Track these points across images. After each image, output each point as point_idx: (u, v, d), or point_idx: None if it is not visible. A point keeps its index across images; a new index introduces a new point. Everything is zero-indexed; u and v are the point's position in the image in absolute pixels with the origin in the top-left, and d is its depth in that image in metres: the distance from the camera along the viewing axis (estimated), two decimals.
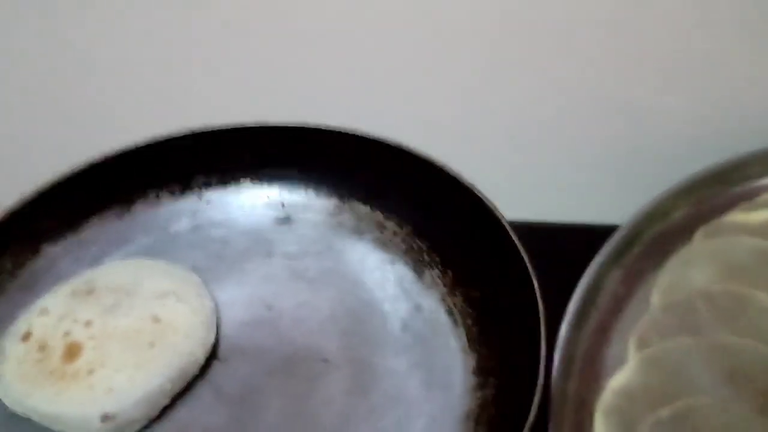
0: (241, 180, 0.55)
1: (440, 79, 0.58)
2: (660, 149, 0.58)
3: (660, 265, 0.49)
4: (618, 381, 0.44)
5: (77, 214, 0.52)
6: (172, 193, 0.55)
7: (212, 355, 0.47)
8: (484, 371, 0.45)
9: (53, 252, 0.51)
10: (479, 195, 0.48)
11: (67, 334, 0.45)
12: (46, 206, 0.51)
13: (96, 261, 0.52)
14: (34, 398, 0.43)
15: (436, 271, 0.50)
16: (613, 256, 0.49)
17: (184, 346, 0.46)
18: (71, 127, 0.64)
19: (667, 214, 0.51)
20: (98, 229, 0.53)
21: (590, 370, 0.45)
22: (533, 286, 0.43)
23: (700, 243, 0.50)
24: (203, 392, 0.45)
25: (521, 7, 0.52)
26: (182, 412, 0.45)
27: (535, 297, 0.42)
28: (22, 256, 0.50)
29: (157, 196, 0.54)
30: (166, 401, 0.44)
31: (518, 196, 0.52)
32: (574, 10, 0.52)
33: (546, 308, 0.42)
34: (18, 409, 0.44)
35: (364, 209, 0.54)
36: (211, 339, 0.47)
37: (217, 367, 0.46)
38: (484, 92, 0.58)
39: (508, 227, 0.46)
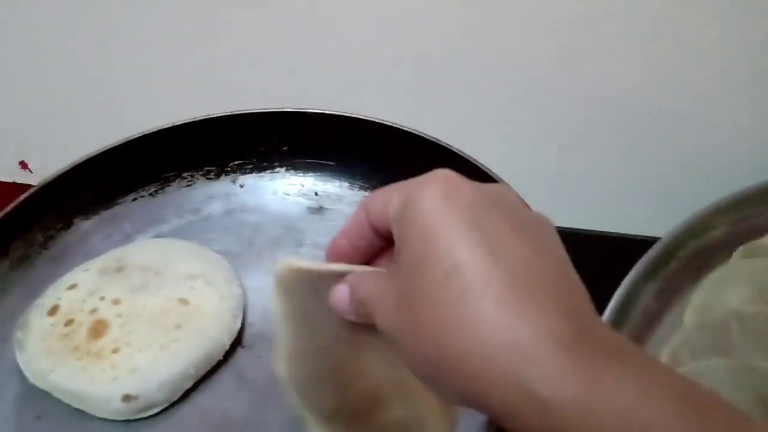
0: (277, 167, 0.55)
1: (489, 81, 0.57)
2: (706, 164, 0.56)
3: (696, 283, 0.48)
4: None
5: (112, 190, 0.52)
6: (208, 175, 0.54)
7: (237, 342, 0.46)
8: None
9: (85, 227, 0.51)
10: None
11: (94, 310, 0.45)
12: (81, 181, 0.50)
13: (127, 239, 0.51)
14: (56, 374, 0.43)
15: None
16: (649, 270, 0.47)
17: (211, 331, 0.45)
18: (112, 104, 0.64)
19: (707, 230, 0.49)
20: (131, 207, 0.52)
21: None
22: None
23: (737, 262, 0.49)
24: (226, 378, 0.45)
25: (575, 17, 0.51)
26: (204, 397, 0.44)
27: None
28: (53, 230, 0.50)
29: (192, 178, 0.54)
30: (188, 385, 0.44)
31: (557, 203, 0.51)
32: (626, 21, 0.51)
33: None
34: (39, 383, 0.43)
35: None
36: (238, 325, 0.46)
37: (241, 354, 0.46)
38: (536, 99, 0.57)
39: None
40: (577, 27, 0.52)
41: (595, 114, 0.56)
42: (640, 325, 0.46)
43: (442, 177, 0.27)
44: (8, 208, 0.47)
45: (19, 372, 0.44)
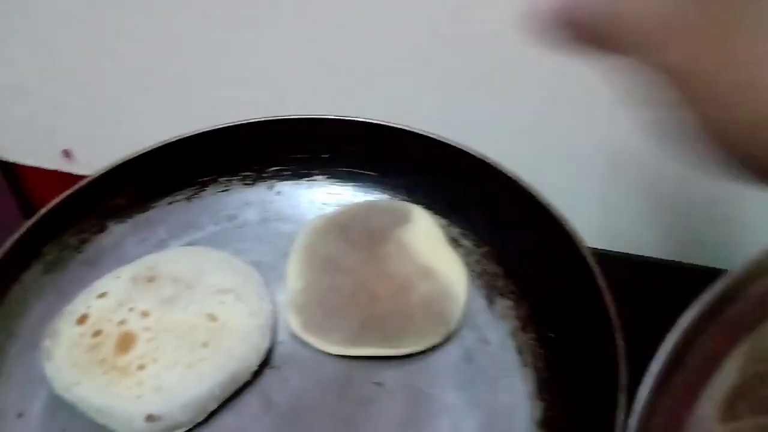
0: (316, 174, 0.52)
1: (540, 97, 0.52)
2: None
3: (762, 325, 0.43)
4: None
5: (147, 194, 0.50)
6: (245, 180, 0.52)
7: (265, 362, 0.44)
8: (550, 425, 0.40)
9: (119, 231, 0.49)
10: (564, 224, 0.42)
11: (122, 322, 0.43)
12: (117, 184, 0.48)
13: (161, 244, 0.49)
14: (81, 387, 0.41)
15: (509, 302, 0.45)
16: (712, 309, 0.43)
17: (239, 350, 0.43)
18: (157, 99, 0.62)
19: None
20: (166, 212, 0.50)
21: None
22: (615, 342, 0.38)
23: None
24: (252, 401, 0.42)
25: None
26: (228, 418, 0.42)
27: (616, 355, 0.37)
28: (88, 233, 0.49)
29: (229, 183, 0.51)
30: (214, 406, 0.42)
31: (614, 225, 0.46)
32: None
33: (628, 362, 0.38)
34: (65, 394, 0.42)
35: (441, 220, 0.49)
36: (266, 345, 0.44)
37: (269, 375, 0.43)
38: (592, 112, 0.51)
39: (594, 266, 0.40)
40: None
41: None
42: (698, 371, 0.42)
43: None
44: (42, 211, 0.46)
45: (47, 381, 0.43)
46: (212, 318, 0.44)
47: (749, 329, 0.43)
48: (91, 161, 0.49)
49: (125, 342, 0.43)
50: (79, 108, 0.64)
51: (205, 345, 0.43)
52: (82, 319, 0.44)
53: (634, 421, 0.38)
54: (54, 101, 0.64)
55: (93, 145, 0.64)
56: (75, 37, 0.60)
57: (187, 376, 0.42)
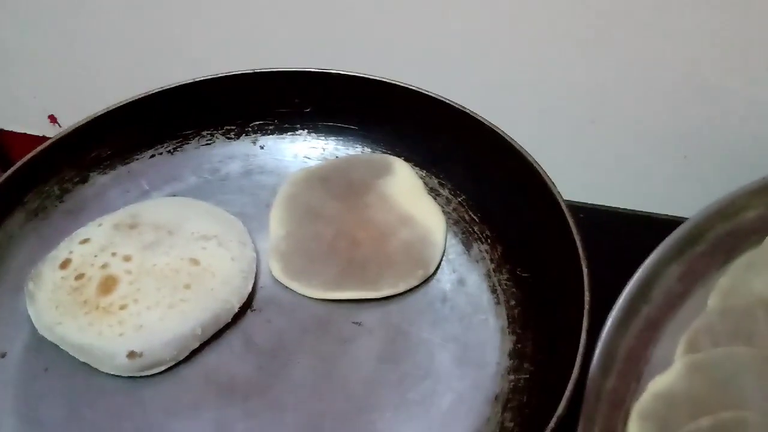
0: (299, 129, 0.52)
1: (516, 49, 0.53)
2: (742, 144, 0.52)
3: (723, 266, 0.45)
4: (660, 384, 0.40)
5: (130, 146, 0.50)
6: (228, 134, 0.52)
7: (247, 305, 0.44)
8: (520, 355, 0.41)
9: (102, 181, 0.49)
10: (540, 171, 0.43)
11: (105, 266, 0.44)
12: (99, 135, 0.49)
13: (144, 195, 0.50)
14: (64, 326, 0.42)
15: (485, 246, 0.46)
16: (674, 251, 0.44)
17: (220, 293, 0.43)
18: (141, 59, 0.63)
19: (739, 213, 0.45)
20: (149, 164, 0.51)
21: (632, 370, 0.41)
22: (582, 274, 0.39)
23: None
24: (234, 340, 0.43)
25: None
26: (210, 358, 0.42)
27: (583, 286, 0.39)
28: (70, 183, 0.49)
29: (212, 136, 0.52)
30: (195, 345, 0.42)
31: (595, 179, 0.48)
32: None
33: (596, 299, 0.39)
34: (47, 334, 0.42)
35: (420, 172, 0.50)
36: (248, 289, 0.44)
37: (250, 318, 0.44)
38: (569, 71, 0.53)
39: (565, 208, 0.41)
40: None
41: (630, 86, 0.53)
42: (661, 307, 0.43)
43: None
44: (24, 159, 0.46)
45: (30, 323, 0.43)
46: (194, 262, 0.44)
47: (710, 270, 0.45)
48: None
49: (107, 284, 0.43)
50: (63, 73, 0.64)
51: (187, 287, 0.43)
52: (65, 264, 0.44)
53: (599, 348, 0.40)
54: (38, 66, 0.64)
55: (79, 109, 0.64)
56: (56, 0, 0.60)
57: (168, 315, 0.42)
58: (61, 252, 0.45)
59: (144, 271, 0.44)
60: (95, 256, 0.44)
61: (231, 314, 0.44)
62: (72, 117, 0.66)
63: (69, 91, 0.66)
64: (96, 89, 0.64)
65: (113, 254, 0.44)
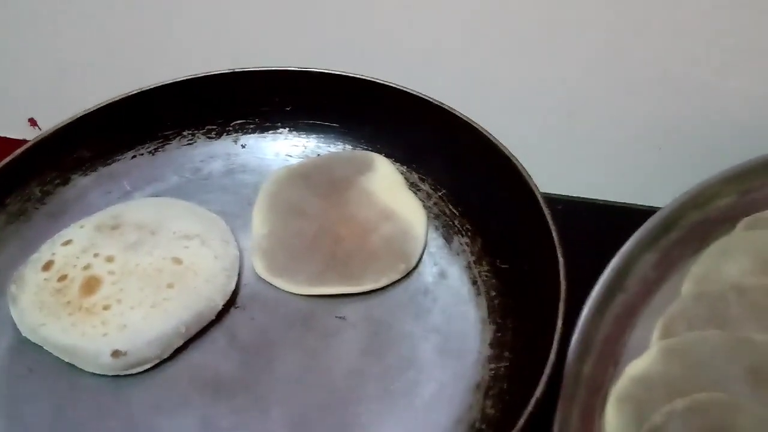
0: (279, 127, 0.52)
1: (493, 44, 0.54)
2: (713, 134, 0.53)
3: (696, 253, 0.45)
4: (636, 368, 0.41)
5: (111, 147, 0.50)
6: (209, 134, 0.52)
7: (230, 302, 0.44)
8: (500, 344, 0.42)
9: (83, 183, 0.49)
10: (517, 164, 0.44)
11: (87, 267, 0.43)
12: (80, 136, 0.49)
13: (126, 196, 0.50)
14: (47, 327, 0.42)
15: (465, 239, 0.47)
16: (649, 239, 0.45)
17: (204, 291, 0.43)
18: (121, 61, 0.62)
19: (710, 201, 0.46)
20: (130, 164, 0.51)
21: (609, 354, 0.41)
22: (558, 262, 0.40)
23: (739, 234, 0.46)
24: (218, 337, 0.43)
25: None
26: (195, 355, 0.42)
27: (559, 274, 0.39)
28: (51, 185, 0.49)
29: (193, 136, 0.52)
30: (179, 343, 0.42)
31: (570, 171, 0.49)
32: None
33: (573, 287, 0.40)
34: (31, 336, 0.42)
35: (400, 168, 0.50)
36: (232, 286, 0.45)
37: (234, 315, 0.44)
38: (544, 63, 0.53)
39: (541, 200, 0.42)
40: None
41: (604, 78, 0.53)
42: (636, 295, 0.44)
43: None
44: (5, 161, 0.46)
45: (13, 325, 0.43)
46: (177, 261, 0.44)
47: (683, 257, 0.46)
48: None
49: (90, 285, 0.43)
50: (43, 76, 0.63)
51: (170, 286, 0.43)
52: (47, 266, 0.44)
53: (576, 335, 0.40)
54: (18, 69, 0.64)
55: (59, 112, 0.64)
56: (33, 2, 0.60)
57: (152, 315, 0.42)
58: (43, 254, 0.45)
59: (127, 271, 0.44)
60: (77, 257, 0.44)
61: (215, 312, 0.44)
62: (52, 120, 0.66)
63: (49, 94, 0.65)
64: (76, 92, 0.64)
65: (95, 255, 0.44)
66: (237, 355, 0.43)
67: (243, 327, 0.44)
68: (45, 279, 0.44)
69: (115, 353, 0.41)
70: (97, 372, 0.41)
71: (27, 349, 0.43)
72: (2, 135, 0.67)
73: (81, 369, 0.42)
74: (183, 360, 0.43)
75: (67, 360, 0.42)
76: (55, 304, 0.42)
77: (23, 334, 0.43)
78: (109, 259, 0.44)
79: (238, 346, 0.43)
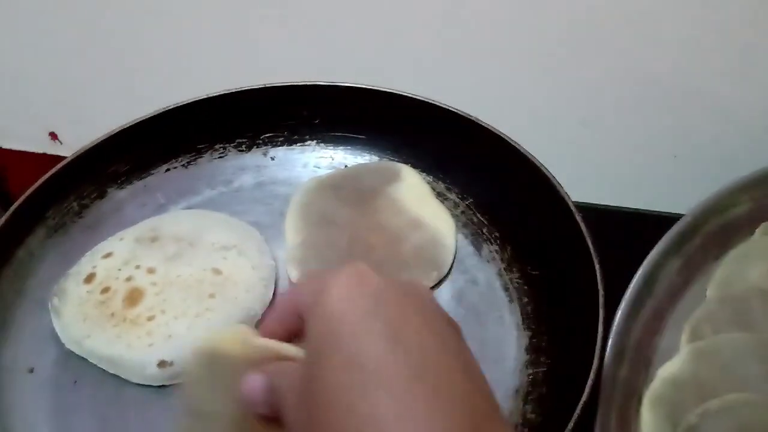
0: (308, 140, 0.53)
1: (517, 55, 0.55)
2: (730, 140, 0.54)
3: (719, 259, 0.47)
4: (668, 370, 0.42)
5: (145, 160, 0.51)
6: (239, 147, 0.53)
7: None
8: (536, 349, 0.43)
9: (119, 196, 0.50)
10: (546, 173, 0.45)
11: (129, 278, 0.44)
12: (116, 151, 0.49)
13: (160, 209, 0.50)
14: (92, 339, 0.42)
15: (494, 246, 0.48)
16: (674, 246, 0.46)
17: (243, 301, 0.44)
18: (142, 76, 0.63)
19: (730, 207, 0.47)
20: (164, 178, 0.51)
21: (641, 358, 0.42)
22: (595, 269, 0.40)
23: (759, 239, 0.48)
24: None
25: None
26: None
27: (596, 281, 0.40)
28: (88, 198, 0.49)
29: (224, 149, 0.53)
30: None
31: (586, 178, 0.50)
32: None
33: (605, 285, 0.41)
34: (75, 348, 0.43)
35: (427, 177, 0.51)
36: (270, 295, 0.45)
37: None
38: (560, 72, 0.55)
39: (572, 207, 0.43)
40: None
41: (620, 87, 0.54)
42: (663, 300, 0.45)
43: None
44: (45, 177, 0.46)
45: (56, 338, 0.43)
46: (217, 272, 0.45)
47: (706, 262, 0.47)
48: (78, 143, 0.49)
49: (133, 296, 0.44)
50: (64, 90, 0.64)
51: (211, 296, 0.44)
52: (89, 278, 0.45)
53: (612, 341, 0.41)
54: (39, 84, 0.64)
55: (80, 126, 0.64)
56: (57, 17, 0.60)
57: (196, 324, 0.43)
58: (84, 267, 0.45)
59: (168, 282, 0.44)
60: (119, 269, 0.45)
61: (255, 321, 0.44)
62: (73, 134, 0.67)
63: (70, 107, 0.66)
64: (97, 106, 0.65)
65: (137, 267, 0.45)
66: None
67: None
68: (88, 291, 0.44)
69: (162, 363, 0.41)
70: (143, 383, 0.42)
71: (71, 361, 0.43)
72: (24, 149, 0.68)
73: (126, 380, 0.42)
74: None
75: (112, 371, 0.42)
76: (99, 316, 0.43)
77: (67, 346, 0.43)
78: (151, 271, 0.45)
79: None
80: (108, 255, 0.46)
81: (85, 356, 0.43)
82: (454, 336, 0.27)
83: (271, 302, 0.45)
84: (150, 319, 0.43)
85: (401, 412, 0.22)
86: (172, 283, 0.44)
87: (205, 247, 0.46)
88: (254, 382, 0.27)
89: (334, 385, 0.23)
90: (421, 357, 0.24)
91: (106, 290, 0.44)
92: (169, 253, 0.46)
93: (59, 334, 0.43)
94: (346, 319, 0.24)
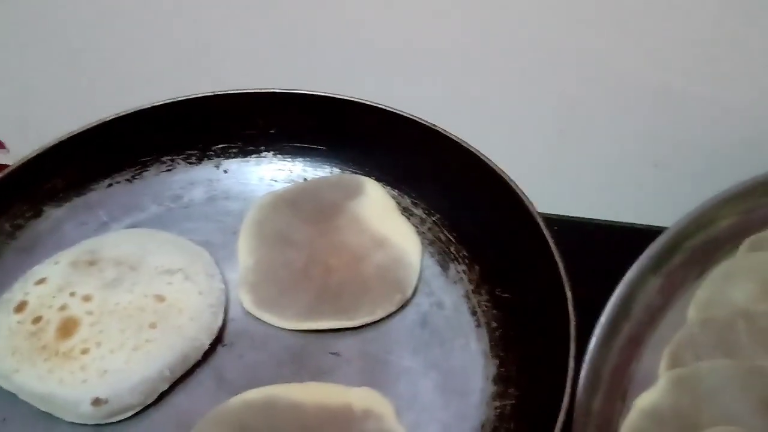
0: (263, 151, 0.50)
1: (486, 63, 0.52)
2: (712, 152, 0.51)
3: (701, 277, 0.44)
4: (646, 400, 0.39)
5: (85, 176, 0.47)
6: (189, 159, 0.49)
7: (217, 340, 0.41)
8: (504, 380, 0.39)
9: (57, 215, 0.46)
10: (514, 188, 0.42)
11: (63, 307, 0.40)
12: (52, 165, 0.45)
13: (102, 227, 0.46)
14: (21, 374, 0.38)
15: (462, 266, 0.44)
16: (653, 264, 0.43)
17: (189, 330, 0.40)
18: (92, 82, 0.59)
19: (713, 222, 0.44)
20: (106, 194, 0.47)
21: (617, 387, 0.39)
22: (566, 295, 0.37)
23: (743, 256, 0.44)
24: (204, 378, 0.40)
25: None
26: (181, 398, 0.40)
27: (567, 308, 0.37)
28: (22, 218, 0.45)
29: (172, 162, 0.49)
30: (164, 387, 0.39)
31: (559, 190, 0.47)
32: (631, 2, 0.47)
33: (577, 317, 0.38)
34: (4, 383, 0.39)
35: (392, 191, 0.48)
36: (218, 324, 0.42)
37: (221, 353, 0.41)
38: (536, 81, 0.51)
39: (542, 226, 0.40)
40: (580, 6, 0.47)
41: (597, 96, 0.51)
42: (643, 322, 0.42)
43: None
44: None
45: None
46: (160, 299, 0.41)
47: (687, 281, 0.44)
48: (25, 151, 0.46)
49: (67, 327, 0.40)
50: (11, 97, 0.60)
51: (152, 326, 0.40)
52: (21, 307, 0.41)
53: (585, 370, 0.38)
54: None
55: (28, 134, 0.60)
56: (3, 23, 0.57)
57: (134, 358, 0.39)
58: (15, 294, 0.42)
59: (106, 311, 0.40)
60: (53, 297, 0.41)
61: (201, 352, 0.41)
62: (21, 142, 0.63)
63: (17, 115, 0.62)
64: (46, 113, 0.61)
65: (72, 294, 0.41)
66: (226, 397, 0.40)
67: (231, 367, 0.41)
68: (18, 321, 0.40)
69: (96, 401, 0.38)
70: (77, 422, 0.38)
71: (1, 397, 0.39)
72: None
73: (59, 418, 0.39)
74: (168, 404, 0.40)
75: (43, 409, 0.39)
76: (30, 348, 0.39)
77: None
78: (87, 299, 0.41)
79: (226, 388, 0.40)
80: (41, 281, 0.42)
81: (14, 392, 0.39)
82: None
83: (220, 329, 0.42)
84: (84, 352, 0.39)
85: None
86: (111, 312, 0.41)
87: (147, 272, 0.42)
88: None
89: None
90: None
91: (37, 320, 0.40)
92: (108, 279, 0.42)
93: None
94: None
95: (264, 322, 0.43)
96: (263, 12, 0.52)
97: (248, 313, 0.43)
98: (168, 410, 0.39)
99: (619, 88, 0.51)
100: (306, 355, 0.41)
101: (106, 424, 0.39)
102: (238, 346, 0.42)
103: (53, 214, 0.46)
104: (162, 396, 0.40)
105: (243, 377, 0.41)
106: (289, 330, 0.42)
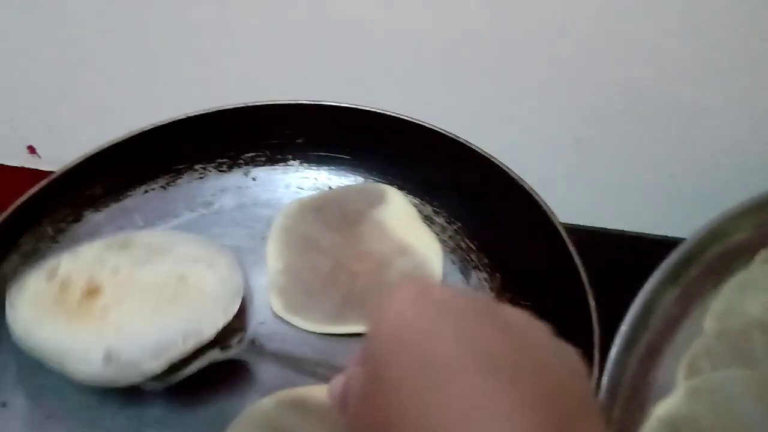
0: (290, 160, 0.51)
1: (506, 75, 0.53)
2: (730, 163, 0.52)
3: (716, 287, 0.44)
4: (664, 409, 0.40)
5: (122, 183, 0.48)
6: (220, 167, 0.50)
7: (249, 340, 0.41)
8: None
9: (96, 219, 0.48)
10: (537, 198, 0.42)
11: (91, 276, 0.41)
12: (92, 173, 0.47)
13: (138, 231, 0.47)
14: (41, 329, 0.39)
15: (483, 274, 0.45)
16: (671, 275, 0.43)
17: (206, 308, 0.41)
18: (122, 91, 0.61)
19: (731, 233, 0.45)
20: (142, 200, 0.49)
21: (636, 396, 0.40)
22: (589, 305, 0.38)
23: (759, 268, 0.45)
24: (237, 379, 0.41)
25: (595, 6, 0.47)
26: (215, 399, 0.41)
27: (591, 317, 0.38)
28: (64, 222, 0.47)
29: (204, 170, 0.50)
30: (176, 356, 0.39)
31: (581, 200, 0.47)
32: (648, 10, 0.47)
33: (601, 323, 0.39)
34: (25, 342, 0.40)
35: (413, 200, 0.49)
36: (234, 308, 0.41)
37: (253, 355, 0.41)
38: (551, 93, 0.52)
39: (565, 236, 0.41)
40: (597, 16, 0.48)
41: (615, 105, 0.52)
42: (660, 332, 0.43)
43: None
44: (18, 203, 0.44)
45: (32, 371, 0.41)
46: (182, 279, 0.42)
47: (704, 292, 0.45)
48: (56, 157, 0.47)
49: (91, 292, 0.41)
50: (43, 103, 0.61)
51: (172, 300, 0.41)
52: (51, 275, 0.42)
53: (605, 379, 0.39)
54: (17, 97, 0.62)
55: (58, 140, 0.62)
56: (36, 29, 0.58)
57: (150, 322, 0.40)
58: (47, 264, 0.43)
59: (131, 283, 0.41)
60: (83, 267, 0.42)
61: (215, 330, 0.40)
62: (51, 147, 0.65)
63: (48, 121, 0.63)
64: (76, 120, 0.62)
65: (101, 267, 0.42)
66: (258, 398, 0.41)
67: (263, 368, 0.42)
68: (47, 286, 0.41)
69: (107, 357, 0.38)
70: (87, 381, 0.39)
71: (45, 395, 0.41)
72: (1, 163, 0.65)
73: (100, 413, 0.40)
74: (202, 405, 0.41)
75: (57, 367, 0.39)
76: (54, 308, 0.40)
77: (17, 343, 0.40)
78: (114, 272, 0.42)
79: (258, 388, 0.41)
80: (74, 255, 0.43)
81: (33, 351, 0.40)
82: (529, 329, 0.26)
83: (236, 317, 0.42)
84: (104, 311, 0.40)
85: (478, 404, 0.22)
86: (135, 284, 0.41)
87: (174, 257, 0.43)
88: (335, 384, 0.29)
89: (404, 386, 0.23)
90: (497, 356, 0.23)
91: (65, 285, 0.41)
92: (137, 259, 0.43)
93: (10, 325, 0.41)
94: (414, 325, 0.24)
95: (293, 325, 0.44)
96: (290, 25, 0.54)
97: (277, 317, 0.44)
98: (202, 411, 0.41)
99: (637, 100, 0.52)
100: (334, 358, 0.42)
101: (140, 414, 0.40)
102: (268, 348, 0.43)
103: (93, 218, 0.48)
104: (196, 391, 0.41)
105: (275, 378, 0.41)
106: (316, 333, 0.43)
